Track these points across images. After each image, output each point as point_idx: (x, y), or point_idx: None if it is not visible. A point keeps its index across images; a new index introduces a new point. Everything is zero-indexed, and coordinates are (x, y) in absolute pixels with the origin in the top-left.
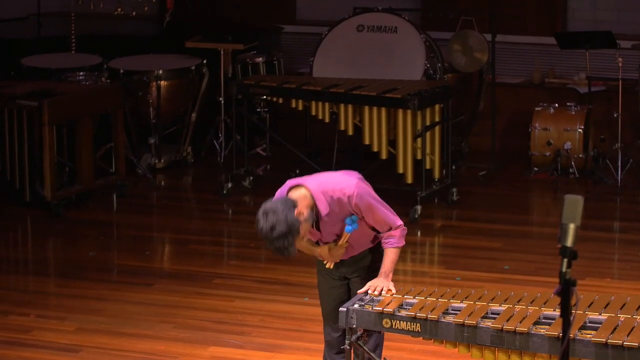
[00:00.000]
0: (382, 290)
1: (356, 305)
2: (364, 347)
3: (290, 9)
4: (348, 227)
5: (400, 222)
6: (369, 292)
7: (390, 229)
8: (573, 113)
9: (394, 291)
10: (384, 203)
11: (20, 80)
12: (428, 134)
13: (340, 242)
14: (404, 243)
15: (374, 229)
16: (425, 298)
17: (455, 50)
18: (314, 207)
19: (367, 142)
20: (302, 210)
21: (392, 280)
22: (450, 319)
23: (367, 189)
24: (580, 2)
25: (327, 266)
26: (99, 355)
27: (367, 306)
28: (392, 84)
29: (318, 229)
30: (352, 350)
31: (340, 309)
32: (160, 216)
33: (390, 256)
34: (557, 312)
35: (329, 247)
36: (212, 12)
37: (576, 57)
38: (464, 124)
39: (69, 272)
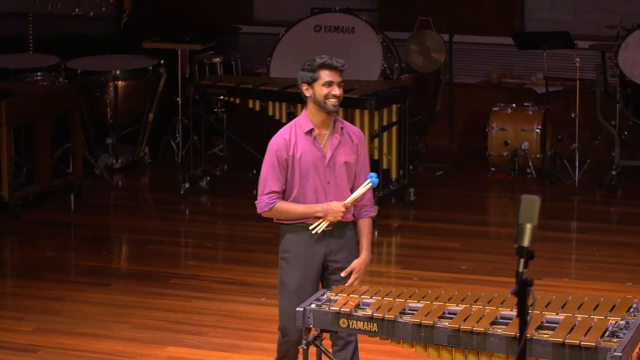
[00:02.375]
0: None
1: (313, 305)
2: (321, 347)
3: (247, 9)
4: (374, 179)
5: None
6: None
7: (370, 200)
8: (530, 113)
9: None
10: None
11: None
12: (385, 134)
13: (350, 199)
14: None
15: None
16: (382, 298)
17: (413, 51)
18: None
19: None
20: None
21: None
22: (407, 319)
23: None
24: (538, 3)
25: (314, 230)
26: (57, 355)
27: (324, 306)
28: (350, 84)
29: (335, 147)
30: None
31: (297, 308)
32: (118, 216)
33: (368, 227)
34: (514, 312)
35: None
36: (169, 13)
37: (534, 58)
38: (422, 124)
39: (27, 272)
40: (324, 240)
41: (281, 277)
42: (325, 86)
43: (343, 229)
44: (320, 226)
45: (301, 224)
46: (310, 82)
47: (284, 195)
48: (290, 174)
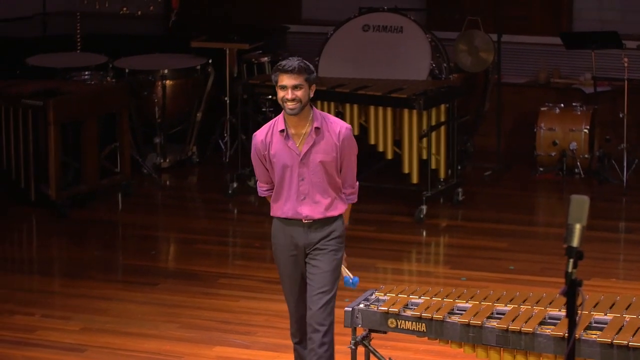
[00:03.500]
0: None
1: (361, 305)
2: (370, 347)
3: (296, 8)
4: (348, 280)
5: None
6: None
7: (353, 188)
8: (579, 113)
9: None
10: None
11: (25, 79)
12: (434, 134)
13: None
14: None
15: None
16: (431, 298)
17: (461, 50)
18: (310, 111)
19: (372, 142)
20: (313, 89)
21: (397, 280)
22: (455, 319)
23: (353, 136)
24: (586, 2)
25: None
26: (104, 355)
27: (372, 306)
28: (398, 83)
29: (310, 145)
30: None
31: (346, 308)
32: (166, 216)
33: (348, 211)
34: (563, 313)
35: None
36: (217, 12)
37: (582, 57)
38: (470, 124)
39: (74, 272)
40: (306, 231)
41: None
42: (280, 90)
43: (325, 223)
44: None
45: (284, 219)
46: (275, 85)
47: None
48: (270, 169)
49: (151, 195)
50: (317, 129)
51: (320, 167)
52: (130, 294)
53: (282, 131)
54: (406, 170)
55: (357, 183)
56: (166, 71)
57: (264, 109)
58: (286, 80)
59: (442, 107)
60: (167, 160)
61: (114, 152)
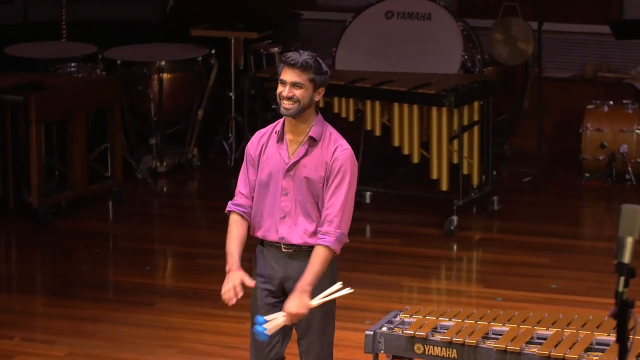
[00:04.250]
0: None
1: (384, 328)
2: None
3: None
4: (258, 328)
5: (345, 231)
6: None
7: (331, 226)
8: (630, 112)
9: (304, 311)
10: (352, 203)
11: (3, 71)
12: (466, 135)
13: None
14: (338, 252)
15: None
16: (463, 320)
17: (497, 40)
18: (313, 117)
19: (396, 143)
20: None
21: (424, 300)
22: (490, 344)
23: (355, 166)
24: None
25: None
26: None
27: (396, 329)
28: (425, 78)
29: (300, 156)
30: None
31: (367, 332)
32: (163, 226)
33: (318, 258)
34: (612, 337)
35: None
36: None
37: (634, 49)
38: (507, 124)
39: (59, 290)
40: (285, 262)
41: None
42: (280, 84)
43: (308, 254)
44: (277, 326)
45: (262, 240)
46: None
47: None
48: (255, 178)
49: (146, 203)
50: (311, 139)
51: (305, 183)
52: (123, 315)
53: (278, 133)
54: (435, 176)
55: (343, 229)
56: (163, 63)
57: (273, 106)
58: (287, 74)
59: (476, 104)
60: (164, 164)
61: (104, 154)
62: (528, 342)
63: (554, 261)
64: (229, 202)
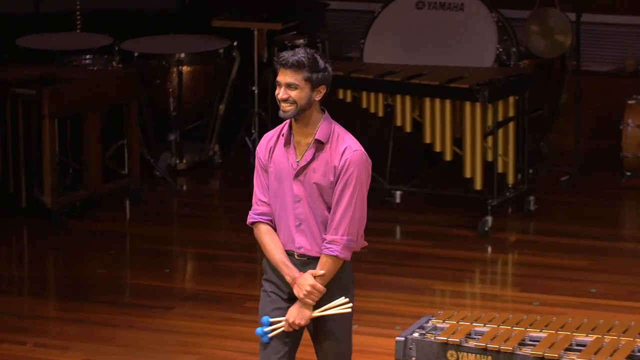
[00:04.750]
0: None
1: (416, 334)
2: None
3: None
4: (260, 329)
5: (354, 237)
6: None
7: (337, 234)
8: None
9: (303, 323)
10: (364, 208)
11: (15, 64)
12: (500, 132)
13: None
14: (348, 258)
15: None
16: (498, 326)
17: (533, 32)
18: (320, 118)
19: (428, 140)
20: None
21: (457, 305)
22: (527, 351)
23: (367, 169)
24: None
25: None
26: None
27: (428, 335)
28: (458, 71)
29: (308, 160)
30: None
31: (397, 338)
32: (182, 227)
33: (324, 269)
34: None
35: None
36: None
37: None
38: (543, 120)
39: (73, 293)
40: (298, 270)
41: None
42: (277, 86)
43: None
44: (277, 330)
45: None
46: None
47: None
48: (268, 182)
49: (165, 202)
50: (318, 142)
51: (315, 189)
52: (140, 320)
53: (285, 136)
54: (468, 175)
55: (352, 236)
56: (183, 55)
57: None
58: (281, 75)
59: (511, 99)
60: (184, 161)
61: (121, 151)
62: (567, 349)
63: (594, 264)
64: (250, 213)
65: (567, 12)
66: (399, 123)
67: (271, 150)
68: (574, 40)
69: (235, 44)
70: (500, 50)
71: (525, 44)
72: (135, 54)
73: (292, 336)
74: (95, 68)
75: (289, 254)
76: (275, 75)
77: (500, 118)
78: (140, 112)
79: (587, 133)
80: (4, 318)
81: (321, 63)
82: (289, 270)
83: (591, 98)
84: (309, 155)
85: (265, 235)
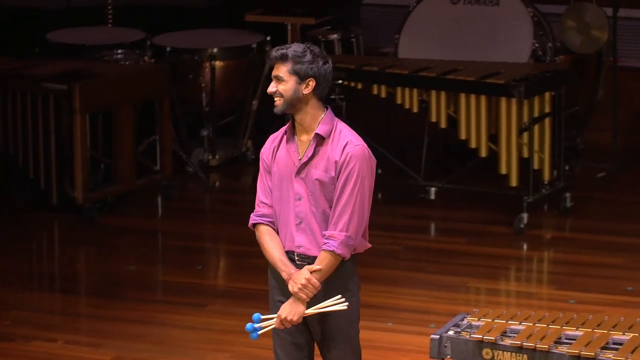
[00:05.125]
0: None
1: (451, 332)
2: None
3: None
4: (250, 325)
5: (353, 234)
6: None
7: (335, 228)
8: None
9: (295, 319)
10: (365, 206)
11: (46, 59)
12: (536, 128)
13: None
14: (348, 256)
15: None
16: (534, 324)
17: (570, 27)
18: (320, 114)
19: (463, 136)
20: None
21: (492, 303)
22: (563, 349)
23: (370, 166)
24: None
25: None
26: None
27: (463, 333)
28: (494, 67)
29: (310, 156)
30: None
31: (432, 336)
32: (215, 223)
33: (321, 265)
34: None
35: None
36: None
37: None
38: (580, 116)
39: (104, 290)
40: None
41: None
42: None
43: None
44: (268, 327)
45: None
46: None
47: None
48: (271, 184)
49: (197, 198)
50: (318, 136)
51: (317, 186)
52: (172, 317)
53: (287, 133)
54: (503, 171)
55: (351, 232)
56: (215, 50)
57: (333, 96)
58: (275, 70)
59: (547, 95)
60: (217, 157)
61: (153, 146)
62: (603, 348)
63: (630, 262)
64: (252, 215)
65: (604, 6)
66: (434, 119)
67: (274, 150)
68: (610, 36)
69: (268, 38)
70: (536, 45)
71: (561, 40)
72: (168, 49)
73: (308, 343)
74: (127, 63)
75: (290, 254)
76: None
77: (536, 114)
78: (173, 108)
79: (624, 129)
80: (35, 315)
81: (308, 55)
82: (285, 267)
83: (628, 94)
84: (310, 151)
85: (265, 236)
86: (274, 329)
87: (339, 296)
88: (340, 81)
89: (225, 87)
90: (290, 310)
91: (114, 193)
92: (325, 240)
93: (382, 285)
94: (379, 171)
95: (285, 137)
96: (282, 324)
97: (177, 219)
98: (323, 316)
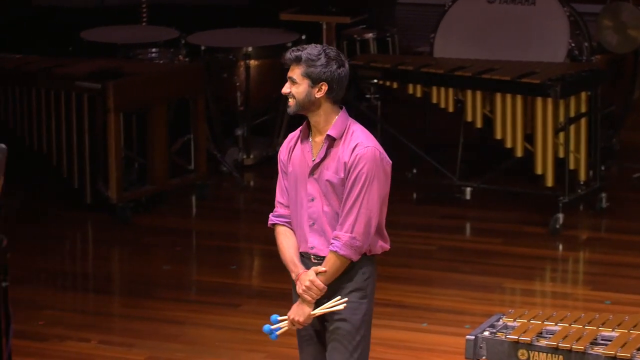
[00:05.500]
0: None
1: (486, 333)
2: None
3: None
4: (267, 327)
5: (359, 236)
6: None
7: (342, 229)
8: None
9: (301, 320)
10: (375, 208)
11: (80, 57)
12: (572, 128)
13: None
14: (354, 258)
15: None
16: (570, 325)
17: (606, 27)
18: (333, 115)
19: (499, 136)
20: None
21: (527, 303)
22: (599, 350)
23: (383, 168)
24: None
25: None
26: None
27: (499, 334)
28: (530, 66)
29: (322, 157)
30: None
31: (467, 337)
32: (249, 223)
33: (326, 266)
34: None
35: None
36: None
37: None
38: (616, 116)
39: (138, 290)
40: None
41: None
42: None
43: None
44: (283, 328)
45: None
46: None
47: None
48: (287, 184)
49: (231, 198)
50: (329, 137)
51: (328, 187)
52: (206, 317)
53: (302, 134)
54: (539, 171)
55: (356, 234)
56: (250, 49)
57: (368, 95)
58: (289, 71)
59: (583, 95)
60: (251, 156)
61: (187, 145)
62: (639, 349)
63: None
64: (270, 215)
65: None
66: (469, 119)
67: (290, 150)
68: None
69: (303, 37)
70: (573, 45)
71: (597, 39)
72: (202, 48)
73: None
74: (161, 62)
75: (305, 256)
76: None
77: (572, 114)
78: (207, 107)
79: None
80: (69, 315)
81: (322, 59)
82: (294, 267)
83: None
84: (322, 152)
85: (280, 236)
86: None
87: (340, 298)
88: (375, 80)
89: (260, 86)
90: (297, 311)
91: (148, 192)
92: (332, 241)
93: (416, 286)
94: (414, 171)
95: (300, 137)
96: (293, 325)
97: (211, 219)
98: (330, 320)
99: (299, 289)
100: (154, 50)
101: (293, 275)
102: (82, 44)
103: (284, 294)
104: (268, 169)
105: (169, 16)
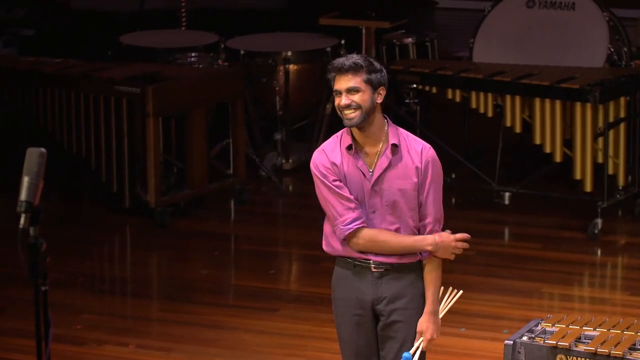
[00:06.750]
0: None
1: (525, 338)
2: None
3: None
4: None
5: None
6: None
7: (433, 229)
8: None
9: (438, 334)
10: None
11: (119, 62)
12: (611, 133)
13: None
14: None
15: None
16: (608, 330)
17: None
18: (384, 123)
19: (538, 141)
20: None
21: (566, 309)
22: (638, 355)
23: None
24: None
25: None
26: None
27: (537, 339)
28: (569, 71)
29: (384, 167)
30: None
31: (506, 342)
32: (288, 228)
33: (434, 276)
34: None
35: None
36: None
37: None
38: None
39: (176, 294)
40: (374, 282)
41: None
42: (336, 96)
43: (400, 272)
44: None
45: (350, 258)
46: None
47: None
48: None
49: (270, 202)
50: (394, 146)
51: (398, 196)
52: (244, 322)
53: (348, 147)
54: (578, 176)
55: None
56: (289, 53)
57: (407, 100)
58: (339, 82)
59: (622, 100)
60: (290, 161)
61: (226, 150)
62: None
63: None
64: (339, 226)
65: None
66: (508, 123)
67: (340, 165)
68: None
69: (342, 42)
70: (612, 50)
71: (636, 44)
72: (241, 52)
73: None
74: (201, 66)
75: (364, 265)
76: (331, 87)
77: (611, 119)
78: (246, 111)
79: None
80: (107, 319)
81: (377, 64)
82: (424, 240)
83: None
84: (384, 162)
85: (372, 232)
86: (342, 341)
87: (452, 289)
88: (414, 85)
89: (299, 91)
90: (431, 327)
91: (187, 197)
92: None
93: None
94: (453, 176)
95: (346, 150)
96: (429, 343)
97: (249, 223)
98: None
99: (449, 253)
100: (193, 54)
101: (430, 248)
102: (122, 48)
103: (322, 298)
104: (307, 174)
105: (208, 21)
